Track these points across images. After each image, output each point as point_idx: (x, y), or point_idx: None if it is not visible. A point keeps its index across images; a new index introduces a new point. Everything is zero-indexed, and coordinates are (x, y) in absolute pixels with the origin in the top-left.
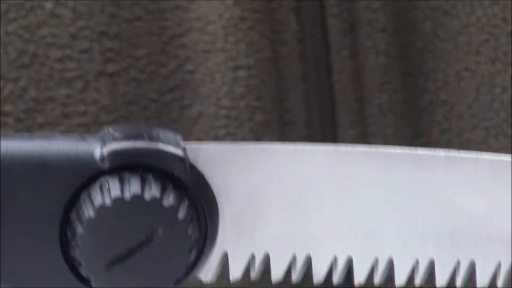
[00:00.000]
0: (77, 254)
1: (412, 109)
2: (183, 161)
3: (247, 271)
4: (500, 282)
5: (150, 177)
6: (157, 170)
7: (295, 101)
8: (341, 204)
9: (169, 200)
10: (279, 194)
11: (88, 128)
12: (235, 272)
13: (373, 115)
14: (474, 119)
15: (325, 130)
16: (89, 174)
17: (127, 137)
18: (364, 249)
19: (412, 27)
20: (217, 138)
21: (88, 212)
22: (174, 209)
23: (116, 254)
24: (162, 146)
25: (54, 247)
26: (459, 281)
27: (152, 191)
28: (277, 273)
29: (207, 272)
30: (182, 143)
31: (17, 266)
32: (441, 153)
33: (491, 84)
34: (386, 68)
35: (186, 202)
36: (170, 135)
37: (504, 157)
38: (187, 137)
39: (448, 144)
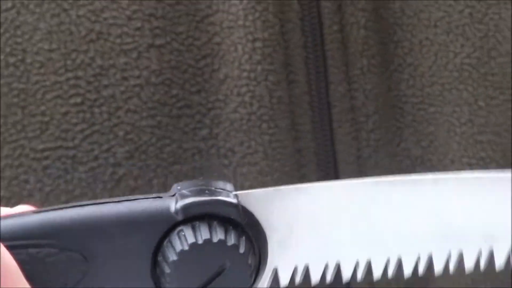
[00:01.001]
0: None
1: (385, 70)
2: (237, 207)
3: (292, 279)
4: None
5: (214, 223)
6: (218, 216)
7: (298, 65)
8: (358, 225)
9: (231, 240)
10: (312, 222)
11: (142, 87)
12: (284, 281)
13: (356, 75)
14: (433, 77)
15: (320, 87)
16: (168, 225)
17: (193, 194)
18: (378, 253)
19: (385, 7)
20: (239, 95)
21: (172, 256)
22: (236, 246)
23: (197, 287)
24: (221, 198)
25: (149, 285)
26: (452, 269)
27: (218, 234)
28: (315, 278)
29: (263, 284)
30: (234, 191)
31: None
32: (429, 176)
33: (446, 50)
34: (365, 38)
35: (244, 238)
36: (223, 185)
37: (480, 174)
38: (216, 94)
39: (413, 96)
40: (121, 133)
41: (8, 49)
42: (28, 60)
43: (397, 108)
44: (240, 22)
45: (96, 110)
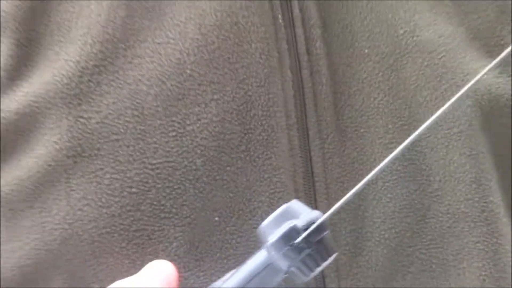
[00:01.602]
0: None
1: (335, 108)
2: (312, 237)
3: None
4: None
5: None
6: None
7: (291, 107)
8: None
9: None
10: None
11: (208, 124)
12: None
13: (321, 113)
14: (362, 111)
15: (303, 120)
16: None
17: (285, 252)
18: None
19: (335, 72)
20: (261, 125)
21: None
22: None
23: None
24: (306, 246)
25: None
26: None
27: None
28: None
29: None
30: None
31: None
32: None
33: (368, 96)
34: (325, 91)
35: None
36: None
37: None
38: (249, 125)
39: (351, 123)
40: (198, 151)
41: (135, 120)
42: (145, 122)
43: (342, 130)
44: (262, 83)
45: (184, 139)
